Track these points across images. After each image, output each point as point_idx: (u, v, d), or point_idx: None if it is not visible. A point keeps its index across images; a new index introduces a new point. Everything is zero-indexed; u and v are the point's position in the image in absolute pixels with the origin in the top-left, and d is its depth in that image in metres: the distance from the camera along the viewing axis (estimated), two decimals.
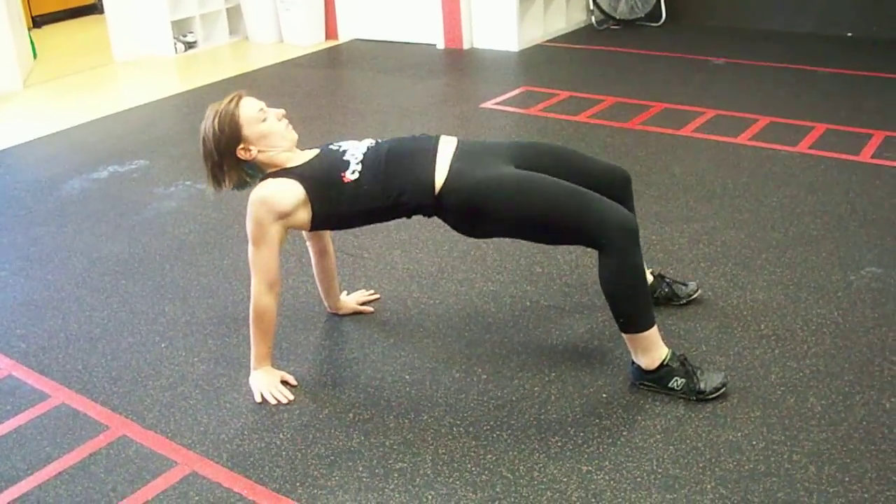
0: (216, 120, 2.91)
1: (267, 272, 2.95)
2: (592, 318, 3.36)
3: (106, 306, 3.70)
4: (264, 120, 2.94)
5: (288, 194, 2.89)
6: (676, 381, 2.84)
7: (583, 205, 2.78)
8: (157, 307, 3.66)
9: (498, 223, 2.87)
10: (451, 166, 2.87)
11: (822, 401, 2.81)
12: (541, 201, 2.79)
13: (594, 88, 6.20)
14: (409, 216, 3.01)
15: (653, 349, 2.84)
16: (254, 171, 3.03)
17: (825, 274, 3.57)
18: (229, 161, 2.96)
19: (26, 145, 5.90)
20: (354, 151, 2.97)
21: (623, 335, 2.87)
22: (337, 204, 2.92)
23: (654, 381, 2.87)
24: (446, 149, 2.93)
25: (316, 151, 3.04)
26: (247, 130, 2.92)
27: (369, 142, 3.04)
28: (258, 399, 3.00)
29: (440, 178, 2.86)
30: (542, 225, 2.83)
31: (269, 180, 2.95)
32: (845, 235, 3.87)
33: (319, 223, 2.98)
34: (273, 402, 2.98)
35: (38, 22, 9.77)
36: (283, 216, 2.89)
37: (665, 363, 2.84)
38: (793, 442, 2.64)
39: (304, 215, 2.93)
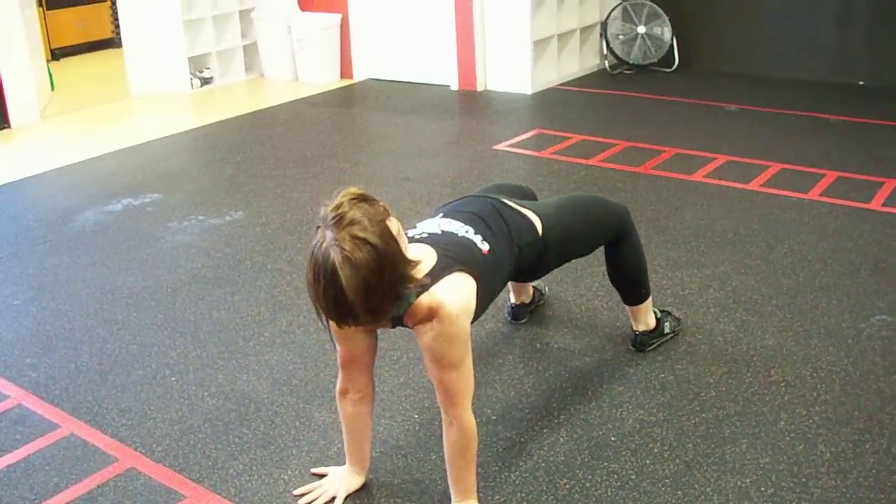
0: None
1: (469, 389, 2.49)
2: (602, 361, 3.36)
3: (117, 338, 3.72)
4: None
5: (473, 287, 2.49)
6: (667, 325, 3.44)
7: (606, 207, 3.26)
8: (167, 340, 3.68)
9: (577, 244, 3.13)
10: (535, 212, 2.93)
11: (832, 448, 2.80)
12: (592, 213, 3.19)
13: (607, 132, 6.24)
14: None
15: (651, 310, 3.40)
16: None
17: (835, 321, 3.57)
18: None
19: (42, 176, 5.95)
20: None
21: (634, 308, 3.34)
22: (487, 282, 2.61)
23: (658, 335, 3.42)
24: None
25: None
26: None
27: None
28: None
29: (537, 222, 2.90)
30: (596, 232, 3.19)
31: (449, 280, 2.41)
32: (856, 283, 3.87)
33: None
34: None
35: (56, 54, 9.88)
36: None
37: (658, 317, 3.43)
38: (802, 489, 2.63)
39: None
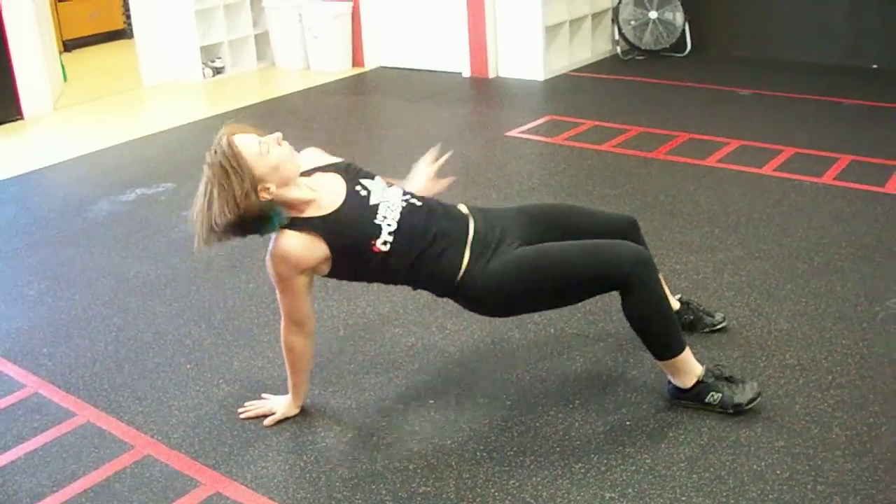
0: (221, 171, 2.71)
1: (293, 313, 2.87)
2: (616, 346, 3.36)
3: (132, 327, 3.73)
4: (268, 152, 2.73)
5: (310, 253, 2.76)
6: (713, 396, 2.88)
7: (594, 254, 2.83)
8: (182, 328, 3.69)
9: (522, 304, 2.95)
10: (470, 253, 2.83)
11: (847, 431, 2.80)
12: (558, 269, 2.82)
13: (619, 118, 6.22)
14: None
15: (687, 369, 2.88)
16: (279, 209, 2.77)
17: (850, 305, 3.55)
18: (250, 208, 2.70)
19: (55, 167, 5.97)
20: (387, 212, 2.81)
21: (658, 362, 2.92)
22: (359, 269, 2.87)
23: (692, 398, 2.91)
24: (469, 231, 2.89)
25: (342, 192, 2.84)
26: (257, 169, 2.70)
27: (401, 196, 2.89)
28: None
29: (462, 269, 2.83)
30: (565, 290, 2.88)
31: (291, 234, 2.76)
32: (870, 266, 3.86)
33: (335, 275, 2.90)
34: (247, 414, 3.08)
35: (68, 46, 9.91)
36: (305, 271, 2.79)
37: (700, 380, 2.88)
38: (817, 472, 2.63)
39: (325, 268, 2.83)
